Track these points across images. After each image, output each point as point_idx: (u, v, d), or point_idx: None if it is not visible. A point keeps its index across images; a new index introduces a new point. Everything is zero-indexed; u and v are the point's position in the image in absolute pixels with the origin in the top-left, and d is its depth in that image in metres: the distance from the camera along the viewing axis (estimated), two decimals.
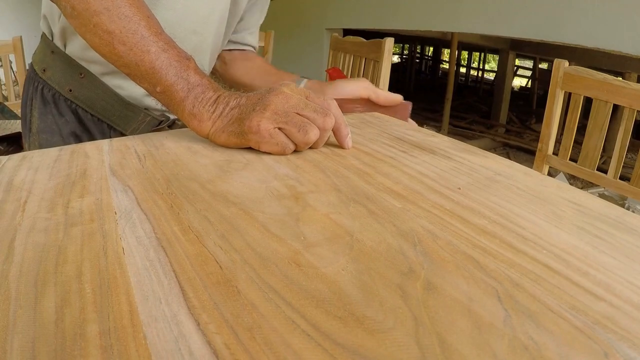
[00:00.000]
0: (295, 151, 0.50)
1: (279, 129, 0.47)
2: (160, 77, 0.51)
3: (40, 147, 0.72)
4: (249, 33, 0.90)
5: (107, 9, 0.51)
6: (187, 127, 0.71)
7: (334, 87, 0.73)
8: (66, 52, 0.69)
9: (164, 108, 0.71)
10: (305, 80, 0.76)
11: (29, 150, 0.72)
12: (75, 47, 0.68)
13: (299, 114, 0.47)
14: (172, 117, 0.76)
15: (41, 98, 0.72)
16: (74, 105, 0.71)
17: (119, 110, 0.71)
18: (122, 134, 0.73)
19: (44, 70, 0.72)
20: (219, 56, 0.88)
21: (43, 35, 0.72)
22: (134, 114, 0.72)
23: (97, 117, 0.72)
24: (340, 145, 0.52)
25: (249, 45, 0.92)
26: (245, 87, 0.85)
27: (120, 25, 0.51)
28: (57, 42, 0.70)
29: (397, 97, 0.74)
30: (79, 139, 0.71)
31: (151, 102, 0.71)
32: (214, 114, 0.50)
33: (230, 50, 0.90)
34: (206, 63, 0.78)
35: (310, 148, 0.51)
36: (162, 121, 0.74)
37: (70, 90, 0.70)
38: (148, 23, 0.52)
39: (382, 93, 0.73)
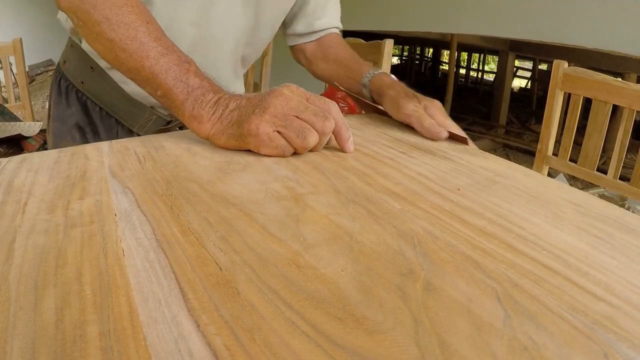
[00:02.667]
0: (295, 153, 0.50)
1: (278, 132, 0.47)
2: (160, 81, 0.52)
3: (53, 134, 0.75)
4: (317, 18, 0.84)
5: (107, 17, 0.52)
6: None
7: (392, 103, 0.66)
8: (81, 46, 0.71)
9: None
10: (372, 75, 0.73)
11: (48, 135, 0.74)
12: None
13: (298, 117, 0.47)
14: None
15: (57, 88, 0.75)
16: (84, 97, 0.73)
17: (125, 106, 0.72)
18: (130, 131, 0.73)
19: (65, 62, 0.75)
20: (302, 52, 0.88)
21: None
22: (139, 111, 0.72)
23: (105, 111, 0.73)
24: (341, 150, 0.52)
25: (320, 30, 0.86)
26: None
27: (120, 32, 0.52)
28: (74, 37, 0.72)
29: (443, 134, 0.59)
30: (82, 131, 0.72)
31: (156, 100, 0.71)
32: (213, 115, 0.50)
33: (305, 43, 0.87)
34: (221, 58, 0.74)
35: (309, 151, 0.51)
36: (170, 121, 0.74)
37: (82, 83, 0.72)
38: (147, 29, 0.53)
39: (428, 125, 0.59)
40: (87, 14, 0.53)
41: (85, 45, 0.71)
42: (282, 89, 0.49)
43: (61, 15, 0.72)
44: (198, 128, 0.51)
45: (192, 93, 0.51)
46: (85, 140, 0.73)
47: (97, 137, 0.74)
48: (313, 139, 0.48)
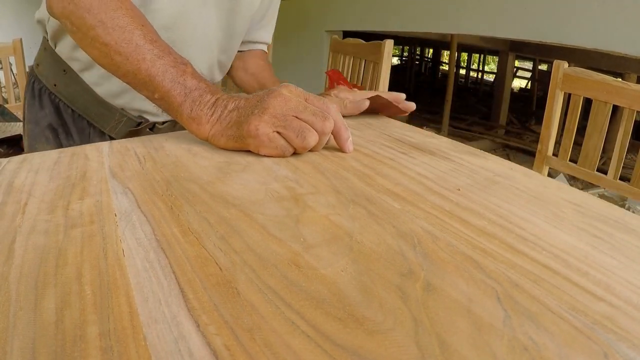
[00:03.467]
0: (295, 153, 0.50)
1: (278, 132, 0.48)
2: (157, 84, 0.52)
3: (28, 136, 0.75)
4: (254, 30, 0.87)
5: (102, 21, 0.52)
6: (167, 129, 0.72)
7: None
8: (55, 50, 0.72)
9: (141, 108, 0.72)
10: None
11: (24, 137, 0.75)
12: (63, 46, 0.71)
13: (297, 118, 0.47)
14: (151, 119, 0.75)
15: (31, 90, 0.75)
16: (57, 99, 0.74)
17: (96, 108, 0.72)
18: (102, 132, 0.74)
19: (38, 65, 0.76)
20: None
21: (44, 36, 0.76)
22: (110, 113, 0.73)
23: (77, 113, 0.74)
24: (340, 149, 0.52)
25: (255, 42, 0.88)
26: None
27: (115, 36, 0.52)
28: (50, 41, 0.73)
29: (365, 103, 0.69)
30: (55, 132, 0.73)
31: (126, 102, 0.72)
32: (212, 117, 0.50)
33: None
34: (195, 61, 0.74)
35: (309, 150, 0.51)
36: (140, 122, 0.74)
37: (55, 85, 0.73)
38: (142, 32, 0.53)
39: (349, 104, 0.69)
40: (81, 19, 0.53)
41: (59, 49, 0.71)
42: (281, 89, 0.49)
43: (40, 17, 0.72)
44: (197, 130, 0.51)
45: (189, 95, 0.51)
46: (58, 141, 0.73)
47: (69, 138, 0.74)
48: (313, 138, 0.48)
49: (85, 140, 0.74)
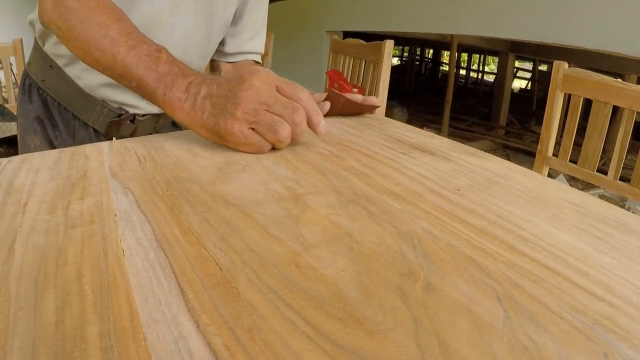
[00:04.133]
0: (294, 152, 0.50)
1: (252, 129, 0.49)
2: (132, 73, 0.54)
3: (20, 130, 0.80)
4: (246, 39, 0.88)
5: (82, 21, 0.56)
6: (148, 122, 0.76)
7: None
8: (43, 49, 0.77)
9: (120, 100, 0.75)
10: None
11: (18, 133, 0.80)
12: (49, 44, 0.75)
13: (268, 111, 0.48)
14: (131, 111, 0.77)
15: (22, 87, 0.80)
16: (45, 94, 0.78)
17: (79, 100, 0.76)
18: (86, 124, 0.78)
19: (29, 63, 0.81)
20: (217, 68, 0.89)
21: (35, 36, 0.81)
22: (92, 105, 0.75)
23: (63, 106, 0.77)
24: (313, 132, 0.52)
25: (247, 53, 0.89)
26: None
27: (93, 33, 0.56)
28: (39, 40, 0.77)
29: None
30: (42, 124, 0.77)
31: (106, 94, 0.74)
32: (186, 102, 0.51)
33: (226, 62, 0.89)
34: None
35: (292, 142, 0.51)
36: (121, 114, 0.77)
37: (43, 81, 0.78)
38: (118, 26, 0.56)
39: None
40: (65, 21, 0.57)
41: (46, 47, 0.76)
42: (252, 79, 0.49)
43: (31, 19, 0.77)
44: (172, 113, 0.52)
45: (162, 80, 0.52)
46: (45, 133, 0.77)
47: (55, 130, 0.78)
48: (285, 132, 0.49)
49: (70, 131, 0.78)
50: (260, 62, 0.93)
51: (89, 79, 0.74)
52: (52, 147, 0.77)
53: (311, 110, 0.51)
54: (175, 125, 0.89)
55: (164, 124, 0.85)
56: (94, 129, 0.77)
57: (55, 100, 0.77)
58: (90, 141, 0.70)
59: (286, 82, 0.51)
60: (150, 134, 0.82)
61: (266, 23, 0.91)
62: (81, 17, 0.56)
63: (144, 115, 0.79)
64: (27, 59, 0.87)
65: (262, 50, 0.92)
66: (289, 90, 0.50)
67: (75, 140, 0.78)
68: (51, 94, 0.77)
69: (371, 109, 0.74)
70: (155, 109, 0.78)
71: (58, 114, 0.78)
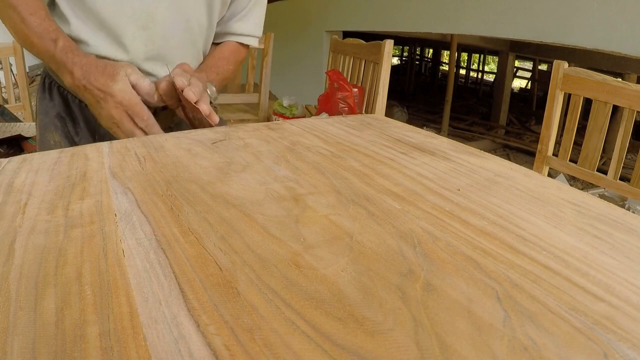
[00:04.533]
0: (294, 152, 0.50)
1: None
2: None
3: (39, 126, 0.82)
4: (235, 20, 0.88)
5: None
6: (164, 117, 0.81)
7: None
8: None
9: None
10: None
11: (36, 129, 0.84)
12: None
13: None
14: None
15: (42, 85, 0.82)
16: (65, 92, 0.80)
17: None
18: None
19: None
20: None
21: None
22: None
23: (84, 104, 0.78)
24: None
25: (225, 34, 0.89)
26: None
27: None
28: None
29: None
30: (63, 120, 0.80)
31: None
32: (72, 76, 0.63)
33: (219, 42, 0.90)
34: (183, 58, 0.79)
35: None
36: None
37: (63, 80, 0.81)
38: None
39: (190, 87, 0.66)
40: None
41: None
42: (106, 102, 0.62)
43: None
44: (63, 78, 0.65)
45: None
46: (66, 129, 0.80)
47: (77, 127, 0.80)
48: (128, 130, 0.62)
49: (91, 127, 0.80)
50: (249, 45, 0.92)
51: None
52: (73, 143, 0.79)
53: (130, 107, 0.64)
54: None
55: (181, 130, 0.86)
56: None
57: (75, 98, 0.79)
58: (111, 137, 0.71)
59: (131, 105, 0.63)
60: (170, 127, 0.83)
61: (264, 8, 0.91)
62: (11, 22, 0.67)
63: (163, 107, 0.80)
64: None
65: (255, 34, 0.91)
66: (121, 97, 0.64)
67: (96, 135, 0.80)
68: (71, 92, 0.78)
69: (209, 124, 0.70)
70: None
71: (79, 111, 0.80)
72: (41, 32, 0.66)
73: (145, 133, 0.64)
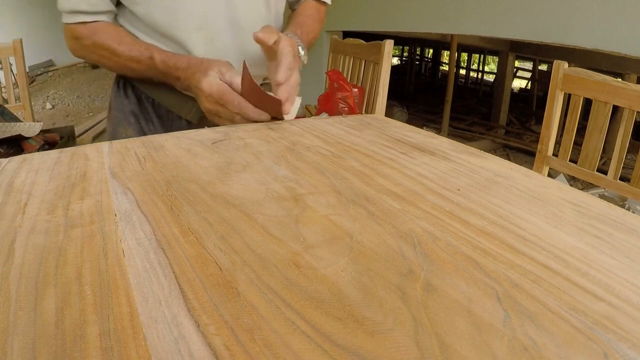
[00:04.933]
0: (294, 152, 0.50)
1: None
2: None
3: (112, 121, 0.88)
4: None
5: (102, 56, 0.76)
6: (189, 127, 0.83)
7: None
8: None
9: None
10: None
11: (108, 122, 0.91)
12: None
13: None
14: None
15: (117, 84, 0.88)
16: (139, 92, 0.86)
17: (173, 97, 0.82)
18: (179, 117, 0.85)
19: None
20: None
21: None
22: (184, 100, 0.82)
23: (157, 102, 0.85)
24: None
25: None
26: None
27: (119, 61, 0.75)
28: None
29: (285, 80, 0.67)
30: (137, 117, 0.86)
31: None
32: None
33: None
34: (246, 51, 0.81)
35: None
36: None
37: (137, 81, 0.85)
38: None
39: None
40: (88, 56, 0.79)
41: None
42: (199, 97, 0.65)
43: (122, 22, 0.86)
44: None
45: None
46: (139, 126, 0.86)
47: (149, 124, 0.87)
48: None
49: (164, 124, 0.85)
50: (326, 2, 0.92)
51: None
52: None
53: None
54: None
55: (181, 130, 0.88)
56: (186, 120, 0.84)
57: (149, 97, 0.85)
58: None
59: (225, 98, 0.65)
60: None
61: None
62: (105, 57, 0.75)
63: None
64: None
65: None
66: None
67: (170, 132, 0.82)
68: (146, 91, 0.84)
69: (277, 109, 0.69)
70: None
71: (152, 109, 0.85)
72: (135, 55, 0.72)
73: (245, 118, 0.65)
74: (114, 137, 0.86)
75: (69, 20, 0.75)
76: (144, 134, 0.83)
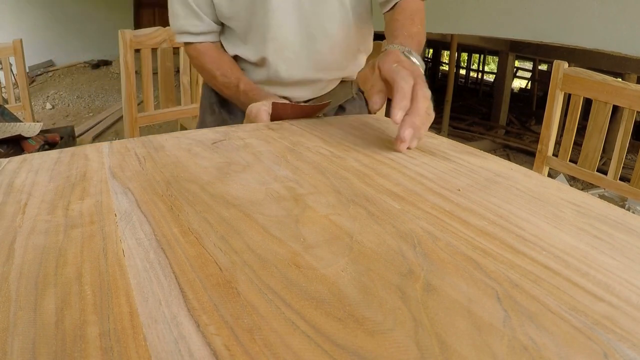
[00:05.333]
0: (294, 152, 0.50)
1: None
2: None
3: (201, 108, 0.98)
4: None
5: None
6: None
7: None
8: None
9: (279, 94, 0.87)
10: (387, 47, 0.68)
11: (200, 107, 1.00)
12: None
13: None
14: (294, 101, 0.87)
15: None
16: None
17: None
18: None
19: None
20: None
21: None
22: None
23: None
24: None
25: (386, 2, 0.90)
26: None
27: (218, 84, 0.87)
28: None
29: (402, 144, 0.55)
30: (219, 107, 0.94)
31: (266, 88, 0.87)
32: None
33: (385, 13, 0.92)
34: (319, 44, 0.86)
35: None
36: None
37: None
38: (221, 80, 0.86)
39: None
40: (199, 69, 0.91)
41: None
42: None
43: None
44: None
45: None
46: (221, 116, 0.94)
47: (231, 115, 0.93)
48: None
49: (241, 115, 0.89)
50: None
51: (250, 77, 0.88)
52: None
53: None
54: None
55: (328, 109, 0.94)
56: None
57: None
58: None
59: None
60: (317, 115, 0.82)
61: None
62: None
63: (306, 101, 0.90)
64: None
65: None
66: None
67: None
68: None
69: (322, 108, 0.74)
70: (312, 95, 0.91)
71: (228, 108, 0.93)
72: (226, 82, 0.84)
73: None
74: (201, 122, 0.97)
75: (178, 40, 0.87)
76: (226, 122, 0.90)
